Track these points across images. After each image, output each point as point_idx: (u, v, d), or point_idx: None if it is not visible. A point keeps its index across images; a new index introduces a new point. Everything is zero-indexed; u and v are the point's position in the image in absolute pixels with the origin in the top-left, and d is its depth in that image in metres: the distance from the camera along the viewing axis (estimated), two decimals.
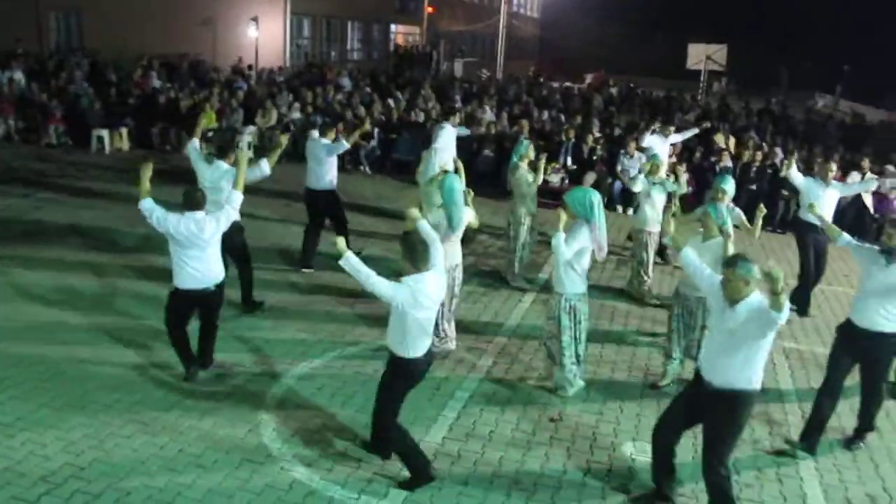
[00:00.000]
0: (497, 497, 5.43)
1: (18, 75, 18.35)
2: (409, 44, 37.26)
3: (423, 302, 5.09)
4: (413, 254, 5.14)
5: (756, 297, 4.77)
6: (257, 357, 7.28)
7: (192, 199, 6.40)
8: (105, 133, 16.46)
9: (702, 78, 34.09)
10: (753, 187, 14.16)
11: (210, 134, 17.04)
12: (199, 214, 6.36)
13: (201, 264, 6.38)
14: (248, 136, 16.69)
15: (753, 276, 4.73)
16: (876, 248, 6.27)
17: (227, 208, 6.58)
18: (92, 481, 5.27)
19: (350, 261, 5.11)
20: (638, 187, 9.85)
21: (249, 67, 22.04)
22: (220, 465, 5.57)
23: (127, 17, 22.70)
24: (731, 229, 6.83)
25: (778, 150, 15.71)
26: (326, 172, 9.63)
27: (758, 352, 4.82)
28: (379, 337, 7.78)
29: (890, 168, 14.79)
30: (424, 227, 5.90)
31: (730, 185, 8.18)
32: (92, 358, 7.01)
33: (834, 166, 9.57)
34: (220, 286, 6.63)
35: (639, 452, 6.07)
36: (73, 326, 7.69)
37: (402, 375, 5.31)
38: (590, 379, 7.20)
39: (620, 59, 45.04)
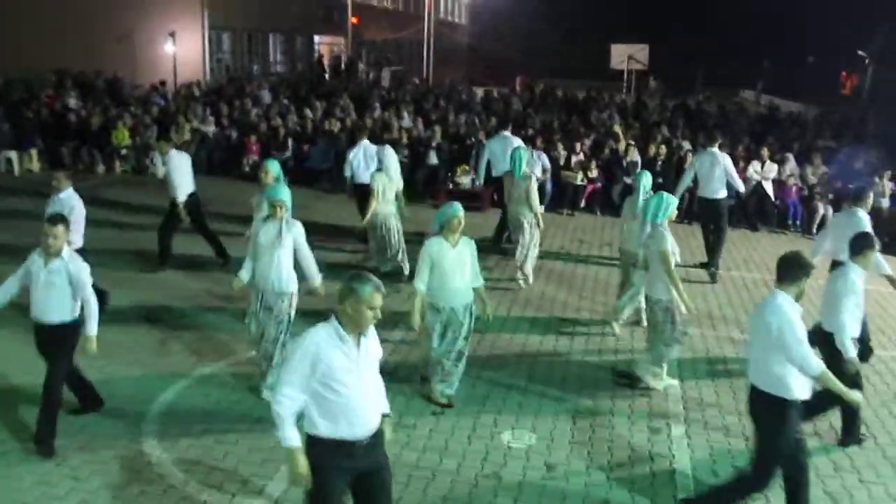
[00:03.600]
0: None
1: None
2: (334, 54, 37.28)
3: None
4: None
5: None
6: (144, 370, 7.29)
7: None
8: (14, 154, 16.17)
9: (625, 78, 34.94)
10: (660, 180, 14.56)
11: (124, 151, 16.94)
12: None
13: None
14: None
15: None
16: None
17: None
18: None
19: None
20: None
21: (163, 83, 21.81)
22: (96, 475, 5.57)
23: (41, 34, 22.21)
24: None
25: (685, 144, 16.21)
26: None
27: None
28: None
29: (789, 156, 15.37)
30: None
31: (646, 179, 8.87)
32: None
33: (870, 199, 8.30)
34: None
35: (516, 440, 6.25)
36: None
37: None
38: (477, 374, 7.35)
39: (547, 62, 45.74)
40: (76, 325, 5.94)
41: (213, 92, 22.88)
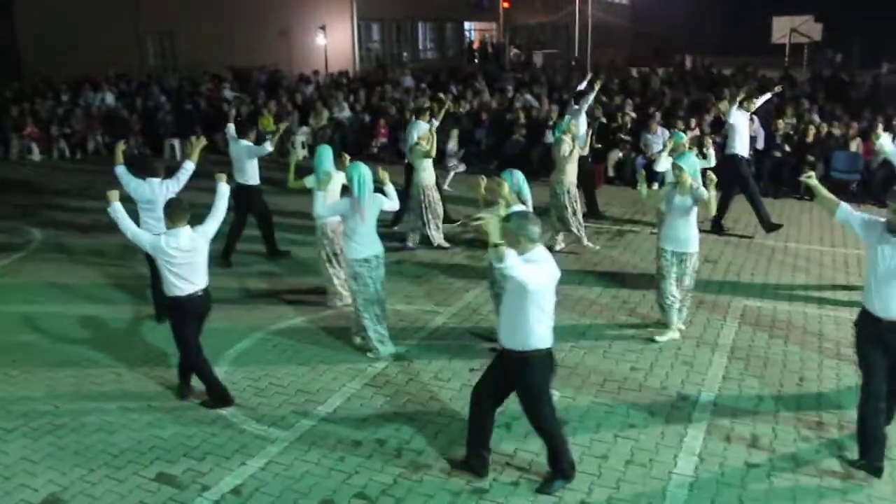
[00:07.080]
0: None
1: (109, 97, 20.45)
2: (484, 39, 37.92)
3: (169, 253, 6.13)
4: (173, 213, 6.25)
5: None
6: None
7: (149, 167, 8.01)
8: (176, 141, 18.15)
9: (787, 52, 33.05)
10: (778, 154, 14.10)
11: (268, 136, 18.43)
12: (155, 180, 7.83)
13: (151, 217, 7.71)
14: (301, 136, 17.91)
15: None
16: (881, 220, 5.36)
17: (178, 174, 8.02)
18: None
19: (115, 211, 6.37)
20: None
21: (315, 73, 23.32)
22: (160, 407, 6.58)
23: (212, 36, 24.75)
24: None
25: (816, 118, 15.52)
26: (246, 170, 10.20)
27: None
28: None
29: None
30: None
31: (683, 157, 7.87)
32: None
33: None
34: None
35: None
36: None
37: (177, 312, 6.39)
38: None
39: (712, 40, 44.11)
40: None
41: (360, 80, 24.23)
